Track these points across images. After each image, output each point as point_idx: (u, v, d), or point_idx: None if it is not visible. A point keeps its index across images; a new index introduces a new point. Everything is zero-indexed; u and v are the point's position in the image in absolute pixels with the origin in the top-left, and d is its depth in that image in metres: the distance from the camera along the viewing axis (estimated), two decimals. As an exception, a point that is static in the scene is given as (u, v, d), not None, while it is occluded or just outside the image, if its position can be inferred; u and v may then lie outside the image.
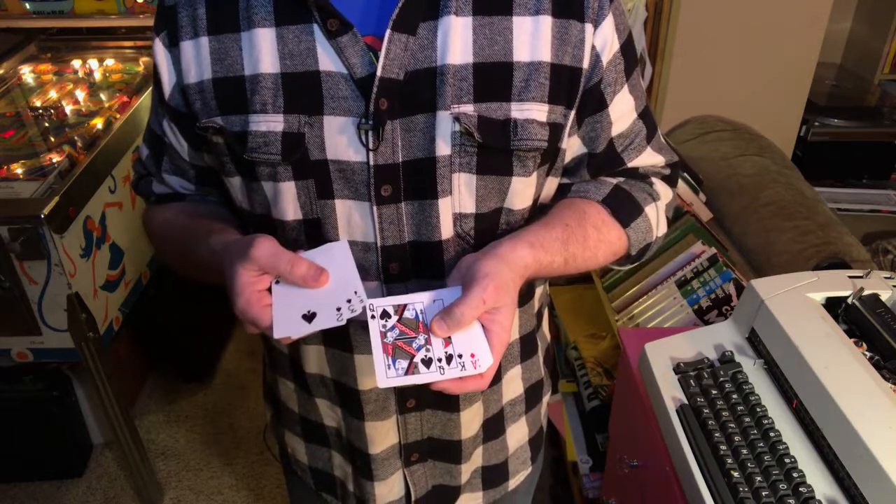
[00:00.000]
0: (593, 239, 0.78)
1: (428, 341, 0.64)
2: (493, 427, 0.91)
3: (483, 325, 0.66)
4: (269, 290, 0.66)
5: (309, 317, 0.64)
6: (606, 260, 0.82)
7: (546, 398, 0.99)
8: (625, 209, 0.80)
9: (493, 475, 0.95)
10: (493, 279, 0.65)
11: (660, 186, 0.86)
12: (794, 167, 1.86)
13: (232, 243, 0.70)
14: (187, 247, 0.79)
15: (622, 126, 0.79)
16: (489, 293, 0.64)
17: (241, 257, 0.65)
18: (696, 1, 1.93)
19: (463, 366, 0.63)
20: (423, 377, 0.63)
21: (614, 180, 0.83)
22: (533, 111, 0.70)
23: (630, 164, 0.83)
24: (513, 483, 0.98)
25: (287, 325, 0.64)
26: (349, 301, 0.64)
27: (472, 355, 0.64)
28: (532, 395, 0.94)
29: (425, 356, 0.64)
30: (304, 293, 0.65)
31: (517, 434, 0.95)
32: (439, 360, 0.64)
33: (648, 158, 0.84)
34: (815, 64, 2.05)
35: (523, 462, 0.98)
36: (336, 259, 0.67)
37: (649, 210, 0.82)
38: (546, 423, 1.03)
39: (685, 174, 1.71)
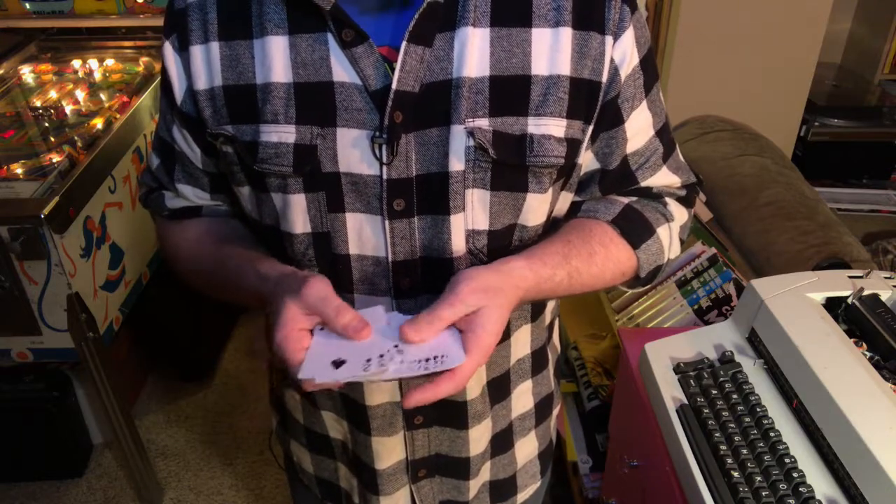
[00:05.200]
0: (600, 256, 0.75)
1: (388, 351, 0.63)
2: (502, 442, 0.89)
3: (460, 331, 0.63)
4: (312, 331, 0.65)
5: (337, 363, 0.62)
6: (615, 280, 0.79)
7: (556, 411, 0.97)
8: (635, 230, 0.77)
9: (501, 489, 0.94)
10: (468, 282, 0.64)
11: (674, 207, 0.82)
12: (794, 167, 1.86)
13: (287, 275, 0.68)
14: (226, 269, 0.76)
15: (638, 143, 0.76)
16: (459, 289, 0.63)
17: (293, 292, 0.64)
18: (696, 1, 1.93)
19: (426, 368, 0.61)
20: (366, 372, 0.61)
21: (626, 199, 0.80)
22: (550, 126, 0.68)
23: (643, 184, 0.80)
24: (521, 497, 0.96)
25: (314, 368, 0.62)
26: (381, 356, 0.62)
27: (436, 357, 0.61)
28: (542, 409, 0.92)
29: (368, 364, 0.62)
30: (341, 344, 0.63)
31: (526, 448, 0.93)
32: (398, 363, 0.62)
33: (663, 178, 0.81)
34: (815, 64, 2.05)
35: (532, 476, 0.96)
36: (382, 321, 0.66)
37: (661, 231, 0.79)
38: (556, 436, 1.00)
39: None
